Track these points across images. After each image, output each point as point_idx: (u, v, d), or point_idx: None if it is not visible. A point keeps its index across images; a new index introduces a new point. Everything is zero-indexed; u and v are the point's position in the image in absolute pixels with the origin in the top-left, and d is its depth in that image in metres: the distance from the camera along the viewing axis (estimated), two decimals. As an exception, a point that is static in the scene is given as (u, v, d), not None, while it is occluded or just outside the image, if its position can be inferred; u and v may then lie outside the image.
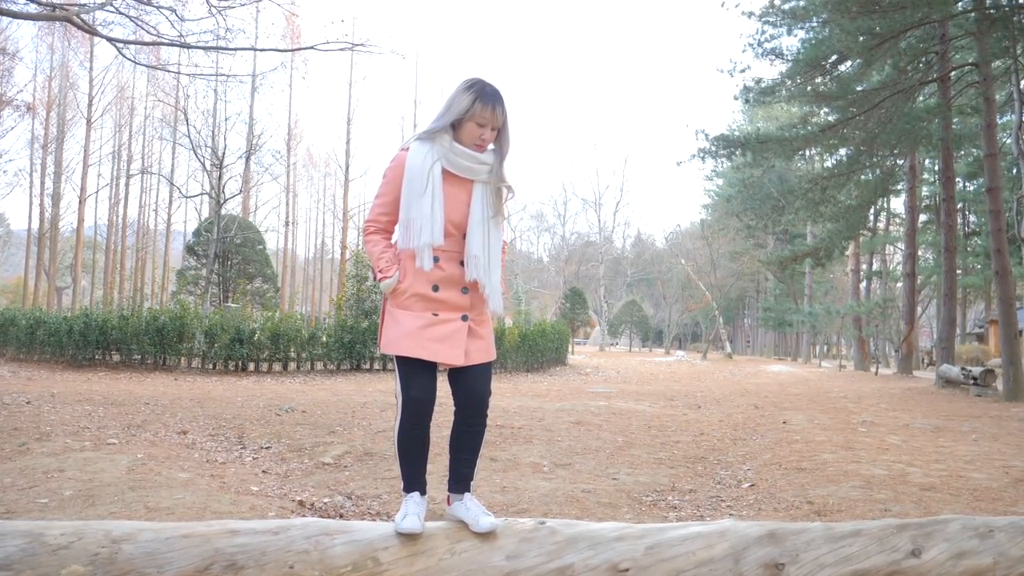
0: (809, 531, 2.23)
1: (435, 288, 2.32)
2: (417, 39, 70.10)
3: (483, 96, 2.33)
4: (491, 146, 2.44)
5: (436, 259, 2.32)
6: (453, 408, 2.38)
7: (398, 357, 2.30)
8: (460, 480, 2.35)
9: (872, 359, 26.85)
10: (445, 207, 2.34)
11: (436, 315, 2.31)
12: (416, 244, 2.30)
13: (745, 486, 4.80)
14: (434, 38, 77.58)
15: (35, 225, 36.08)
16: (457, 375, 2.34)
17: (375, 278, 2.40)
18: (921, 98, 18.37)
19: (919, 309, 28.24)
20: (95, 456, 4.94)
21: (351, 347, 15.14)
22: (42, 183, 35.24)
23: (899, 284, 29.99)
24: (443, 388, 2.41)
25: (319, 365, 15.16)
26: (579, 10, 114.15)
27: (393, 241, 2.43)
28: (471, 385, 2.33)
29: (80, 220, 35.37)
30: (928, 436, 7.15)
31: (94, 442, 5.54)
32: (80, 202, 35.22)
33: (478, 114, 2.32)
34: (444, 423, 2.63)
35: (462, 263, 2.36)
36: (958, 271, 22.40)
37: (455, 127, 2.37)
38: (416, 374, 2.27)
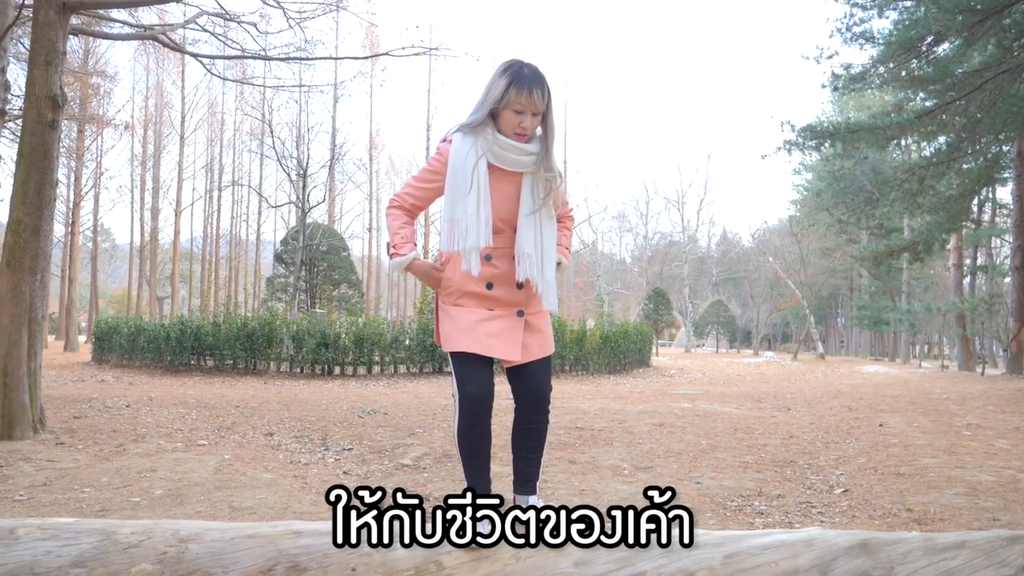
0: (905, 541, 2.02)
1: (489, 286, 2.21)
2: (493, 41, 70.72)
3: (519, 80, 2.12)
4: (538, 131, 2.24)
5: (488, 257, 2.20)
6: (513, 406, 2.29)
7: (452, 353, 2.20)
8: (525, 481, 2.25)
9: (978, 359, 25.15)
10: (493, 203, 2.18)
11: (491, 310, 2.20)
12: (462, 247, 2.16)
13: (838, 492, 4.52)
14: (510, 39, 77.98)
15: (137, 238, 38.42)
16: (515, 372, 2.24)
17: (388, 253, 2.27)
18: (1030, 78, 17.05)
19: (1031, 305, 26.21)
20: (185, 457, 5.11)
21: (433, 350, 15.28)
22: (142, 198, 37.48)
23: (1007, 279, 27.98)
24: (504, 384, 2.32)
25: (402, 368, 15.39)
26: (657, 3, 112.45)
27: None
28: (530, 382, 2.22)
29: (176, 232, 37.40)
30: (1044, 440, 6.56)
31: (185, 444, 5.75)
32: (176, 215, 37.24)
33: (514, 100, 2.13)
34: (509, 422, 2.56)
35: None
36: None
37: (494, 116, 2.19)
38: (470, 369, 2.16)
